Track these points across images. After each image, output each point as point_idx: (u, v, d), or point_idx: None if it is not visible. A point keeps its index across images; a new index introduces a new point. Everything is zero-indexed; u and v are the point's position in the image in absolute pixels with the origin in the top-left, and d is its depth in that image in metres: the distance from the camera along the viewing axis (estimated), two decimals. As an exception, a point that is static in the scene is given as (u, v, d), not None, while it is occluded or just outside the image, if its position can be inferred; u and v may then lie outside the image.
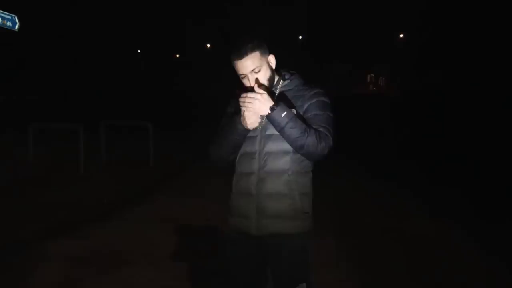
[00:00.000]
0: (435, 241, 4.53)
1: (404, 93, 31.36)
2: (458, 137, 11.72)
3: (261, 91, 1.94)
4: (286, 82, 2.14)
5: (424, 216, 5.37)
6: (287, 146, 2.02)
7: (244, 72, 2.03)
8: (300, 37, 45.62)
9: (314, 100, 2.06)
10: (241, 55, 2.00)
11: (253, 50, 2.01)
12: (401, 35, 41.25)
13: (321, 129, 1.98)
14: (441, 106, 19.96)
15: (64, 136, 9.07)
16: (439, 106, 19.76)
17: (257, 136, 2.08)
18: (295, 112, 2.00)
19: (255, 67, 2.02)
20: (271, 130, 2.04)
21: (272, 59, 2.11)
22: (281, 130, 1.95)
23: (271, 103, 1.93)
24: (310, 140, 1.93)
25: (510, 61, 23.06)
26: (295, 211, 2.06)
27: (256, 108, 1.93)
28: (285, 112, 1.93)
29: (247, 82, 2.05)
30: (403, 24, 38.64)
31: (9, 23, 8.37)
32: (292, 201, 2.05)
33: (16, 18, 8.50)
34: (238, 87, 2.16)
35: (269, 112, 1.93)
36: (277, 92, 2.11)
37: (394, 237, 4.63)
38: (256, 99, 1.92)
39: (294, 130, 1.92)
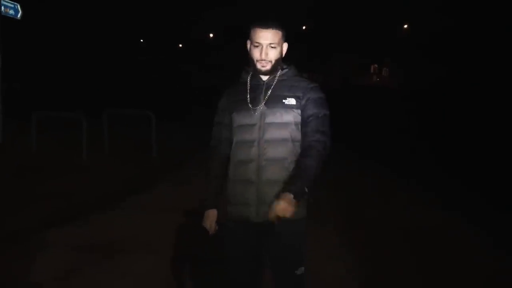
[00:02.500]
0: (441, 234, 4.52)
1: (406, 85, 31.20)
2: (464, 130, 11.69)
3: (280, 208, 1.90)
4: (285, 71, 2.18)
5: (430, 209, 5.36)
6: (286, 134, 2.08)
7: (262, 42, 2.07)
8: (304, 27, 45.36)
9: (313, 96, 2.11)
10: (268, 26, 2.06)
11: (279, 28, 2.09)
12: (405, 26, 40.92)
13: (316, 138, 2.04)
14: (446, 99, 19.87)
15: (67, 125, 9.08)
16: (444, 100, 19.68)
17: (255, 124, 2.10)
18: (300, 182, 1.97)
19: (273, 42, 2.07)
20: (271, 118, 2.08)
21: (285, 46, 2.17)
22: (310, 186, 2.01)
23: (290, 197, 1.90)
24: (320, 164, 2.02)
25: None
26: None
27: (289, 209, 1.90)
28: (303, 189, 1.96)
29: (257, 53, 2.09)
30: (407, 15, 38.31)
31: (11, 12, 8.40)
32: None
33: (18, 6, 8.51)
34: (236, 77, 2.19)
35: (297, 201, 1.93)
36: (276, 80, 2.15)
37: (399, 230, 4.62)
38: (286, 209, 1.89)
39: (314, 178, 2.00)
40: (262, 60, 2.08)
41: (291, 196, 1.91)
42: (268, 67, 2.10)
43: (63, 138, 8.89)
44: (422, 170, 7.28)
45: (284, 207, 1.89)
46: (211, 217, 2.25)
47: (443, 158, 8.26)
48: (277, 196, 1.96)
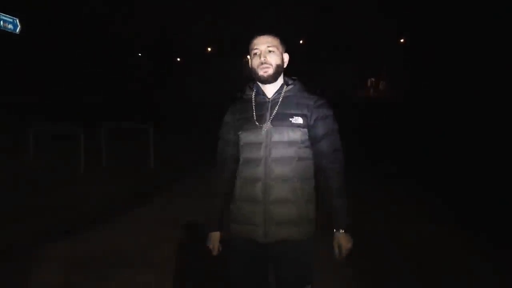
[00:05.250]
0: (443, 248, 4.47)
1: (402, 97, 31.27)
2: (460, 141, 11.70)
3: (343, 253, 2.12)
4: (290, 87, 2.15)
5: (431, 222, 5.28)
6: (292, 153, 2.06)
7: (259, 47, 2.08)
8: (301, 41, 45.69)
9: (321, 114, 2.10)
10: (264, 32, 2.11)
11: (275, 35, 2.13)
12: (402, 40, 41.26)
13: (333, 158, 2.10)
14: (442, 110, 19.95)
15: (65, 137, 9.08)
16: (439, 110, 19.76)
17: (262, 142, 2.07)
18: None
19: (271, 45, 2.08)
20: (277, 137, 2.06)
21: (286, 57, 2.16)
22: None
23: (345, 235, 2.10)
24: (344, 182, 2.12)
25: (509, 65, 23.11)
26: (301, 218, 2.08)
27: (351, 246, 2.11)
28: (347, 218, 2.11)
29: (256, 60, 2.09)
30: (404, 28, 38.65)
31: (10, 26, 8.41)
32: (298, 207, 2.07)
33: (17, 21, 8.53)
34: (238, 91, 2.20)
35: (348, 232, 2.12)
36: (281, 97, 2.12)
37: (399, 243, 4.57)
38: (348, 247, 2.10)
39: (346, 199, 2.11)
40: (262, 63, 2.07)
41: (344, 232, 2.09)
42: (270, 71, 2.08)
43: (61, 151, 8.89)
44: (423, 181, 7.25)
45: (347, 247, 2.09)
46: (215, 239, 2.22)
47: (445, 169, 8.25)
48: (334, 237, 2.11)
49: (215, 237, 2.22)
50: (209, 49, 49.61)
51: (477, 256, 4.21)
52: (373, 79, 50.04)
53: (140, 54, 48.10)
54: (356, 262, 3.99)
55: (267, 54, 2.08)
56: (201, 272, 3.76)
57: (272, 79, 2.10)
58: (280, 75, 2.14)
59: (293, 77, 2.20)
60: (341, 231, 2.09)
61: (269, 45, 2.08)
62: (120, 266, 3.90)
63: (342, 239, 2.09)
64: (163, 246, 4.32)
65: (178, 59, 50.84)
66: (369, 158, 9.51)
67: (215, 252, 2.23)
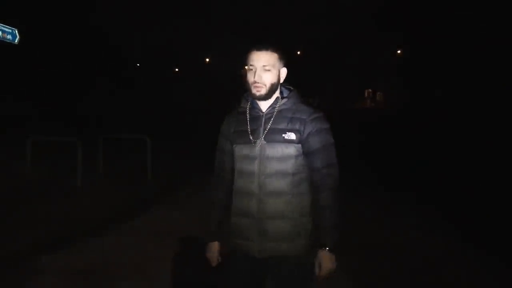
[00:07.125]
0: (444, 262, 4.41)
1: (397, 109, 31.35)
2: (457, 153, 11.71)
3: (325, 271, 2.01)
4: (285, 100, 2.09)
5: (431, 235, 5.24)
6: (286, 168, 2.03)
7: (255, 64, 2.01)
8: (299, 52, 45.92)
9: (315, 128, 2.04)
10: (261, 47, 2.02)
11: (274, 50, 2.03)
12: (399, 51, 41.50)
13: (326, 173, 2.04)
14: (440, 121, 20.00)
15: (62, 149, 9.06)
16: (437, 121, 19.81)
17: (256, 157, 2.05)
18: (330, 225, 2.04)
19: (267, 64, 2.01)
20: (271, 152, 2.03)
21: (283, 72, 2.10)
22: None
23: (328, 254, 2.02)
24: (337, 199, 2.06)
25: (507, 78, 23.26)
26: (296, 233, 2.05)
27: (333, 266, 2.03)
28: (335, 237, 2.04)
29: (251, 76, 2.02)
30: (401, 39, 38.87)
31: (9, 37, 8.44)
32: (294, 223, 2.04)
33: (16, 31, 8.57)
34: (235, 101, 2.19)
35: (333, 253, 2.03)
36: (275, 111, 2.07)
37: (398, 256, 4.52)
38: (331, 268, 2.02)
39: (338, 219, 2.05)
40: (255, 83, 2.01)
41: (328, 252, 2.01)
42: (262, 91, 2.02)
43: (58, 162, 8.86)
44: (421, 193, 7.22)
45: (328, 267, 2.00)
46: (213, 249, 2.21)
47: (442, 181, 8.23)
48: (314, 252, 2.03)
49: (213, 247, 2.21)
50: (207, 59, 49.86)
51: (479, 273, 4.19)
52: (370, 90, 50.25)
53: (138, 65, 48.26)
54: (356, 277, 3.98)
55: (262, 73, 2.00)
56: (198, 284, 3.73)
57: (265, 97, 2.05)
58: (274, 92, 2.08)
59: (290, 87, 2.15)
60: (325, 249, 2.02)
61: (265, 64, 2.00)
62: (116, 278, 3.87)
63: (325, 258, 2.01)
64: (160, 258, 4.28)
65: (177, 70, 51.06)
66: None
67: (214, 263, 2.21)
